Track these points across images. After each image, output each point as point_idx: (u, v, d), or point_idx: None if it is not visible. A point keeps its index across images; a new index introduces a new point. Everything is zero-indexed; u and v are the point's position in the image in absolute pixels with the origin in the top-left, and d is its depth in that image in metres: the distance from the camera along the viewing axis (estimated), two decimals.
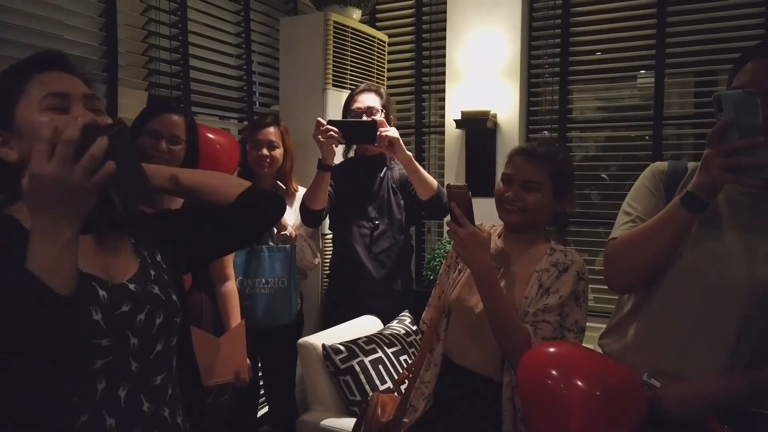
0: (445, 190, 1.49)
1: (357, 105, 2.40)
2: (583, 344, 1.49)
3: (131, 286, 0.97)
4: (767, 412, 1.25)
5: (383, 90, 2.50)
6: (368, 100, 2.41)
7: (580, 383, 1.20)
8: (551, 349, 1.36)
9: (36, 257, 0.77)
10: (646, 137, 3.06)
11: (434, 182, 2.34)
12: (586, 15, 3.13)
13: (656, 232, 1.22)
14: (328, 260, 2.78)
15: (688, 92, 3.07)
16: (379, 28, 3.35)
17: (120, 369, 0.93)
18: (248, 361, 2.04)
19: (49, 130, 0.78)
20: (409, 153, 2.28)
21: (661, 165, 1.38)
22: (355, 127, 2.25)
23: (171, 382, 1.01)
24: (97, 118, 0.94)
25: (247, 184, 1.14)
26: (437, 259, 2.93)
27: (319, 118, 2.23)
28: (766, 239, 1.21)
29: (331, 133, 2.18)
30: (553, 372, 1.27)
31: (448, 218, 1.51)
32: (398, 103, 3.58)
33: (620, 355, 1.34)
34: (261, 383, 2.65)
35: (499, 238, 1.65)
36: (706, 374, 1.22)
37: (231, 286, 2.16)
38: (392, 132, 2.25)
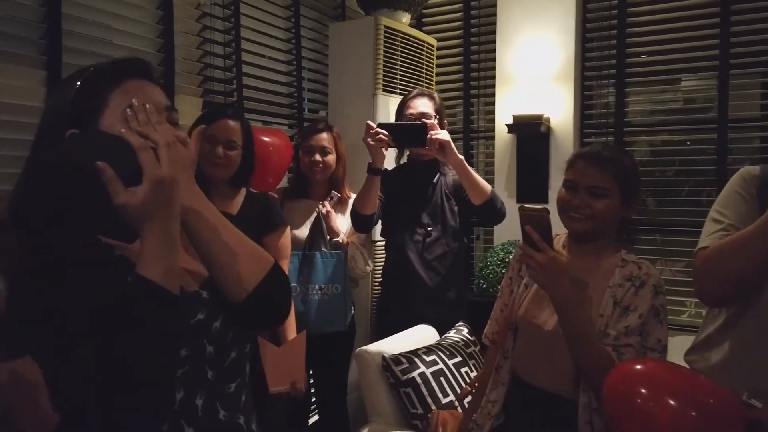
0: (519, 213, 1.41)
1: (410, 111, 2.36)
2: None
3: (204, 294, 0.95)
4: None
5: (436, 95, 2.45)
6: (421, 105, 2.37)
7: (672, 402, 1.13)
8: (639, 366, 1.29)
9: (152, 262, 0.78)
10: (705, 143, 2.94)
11: (487, 186, 2.28)
12: (644, 15, 3.03)
13: (753, 242, 1.15)
14: (379, 269, 2.75)
15: (753, 94, 2.93)
16: (426, 33, 3.31)
17: (196, 378, 0.91)
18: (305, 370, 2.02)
19: (158, 136, 0.81)
20: (461, 156, 2.23)
21: (752, 169, 1.30)
22: (405, 130, 2.21)
23: (245, 389, 1.00)
24: (178, 133, 0.92)
25: (269, 266, 0.91)
26: (489, 268, 2.86)
27: (369, 122, 2.20)
28: None
29: (381, 136, 2.15)
30: (643, 390, 1.20)
31: (519, 240, 1.44)
32: (446, 107, 3.53)
33: (711, 373, 1.26)
34: (312, 391, 2.62)
35: (563, 248, 1.58)
36: None
37: None
38: (443, 135, 2.20)
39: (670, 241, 2.99)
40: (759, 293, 1.20)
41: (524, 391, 1.52)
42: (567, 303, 1.35)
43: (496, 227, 3.12)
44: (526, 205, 1.40)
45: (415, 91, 2.44)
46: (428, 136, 2.17)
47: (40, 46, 1.87)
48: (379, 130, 2.15)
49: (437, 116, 2.36)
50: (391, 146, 2.21)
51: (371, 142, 2.15)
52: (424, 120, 2.22)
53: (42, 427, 0.74)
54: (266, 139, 2.36)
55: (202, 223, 0.87)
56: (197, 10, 2.42)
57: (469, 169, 2.24)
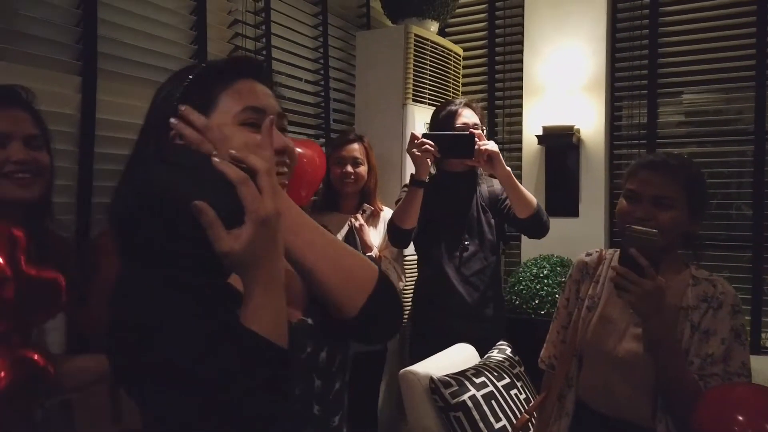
0: (624, 233, 1.31)
1: (463, 121, 2.26)
2: None
3: (309, 321, 0.85)
4: None
5: (477, 104, 2.38)
6: (470, 115, 2.29)
7: None
8: (733, 392, 1.22)
9: (259, 312, 0.68)
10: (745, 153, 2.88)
11: (534, 199, 2.20)
12: (676, 25, 2.98)
13: None
14: (410, 283, 2.66)
15: None
16: (452, 42, 3.25)
17: (305, 415, 0.83)
18: None
19: (257, 162, 0.70)
20: (509, 168, 2.15)
21: None
22: (452, 141, 2.13)
23: (345, 422, 0.92)
24: (289, 142, 0.85)
25: (376, 275, 0.83)
26: (522, 283, 2.77)
27: (413, 131, 2.12)
28: None
29: (427, 146, 2.06)
30: (740, 417, 1.14)
31: (613, 263, 1.35)
32: None
33: None
34: None
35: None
36: None
37: None
38: (491, 146, 2.12)
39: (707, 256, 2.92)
40: None
41: (594, 420, 1.43)
42: (667, 336, 1.27)
43: (524, 241, 3.05)
44: (635, 227, 1.30)
45: (461, 101, 2.35)
46: (476, 147, 2.09)
47: (75, 51, 1.79)
48: (425, 140, 2.06)
49: (481, 127, 2.29)
50: (437, 157, 2.13)
51: (417, 153, 2.06)
52: (471, 130, 2.14)
53: None
54: (299, 150, 2.28)
55: (301, 240, 0.78)
56: (229, 16, 2.35)
57: (516, 181, 2.16)
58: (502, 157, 2.14)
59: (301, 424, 0.82)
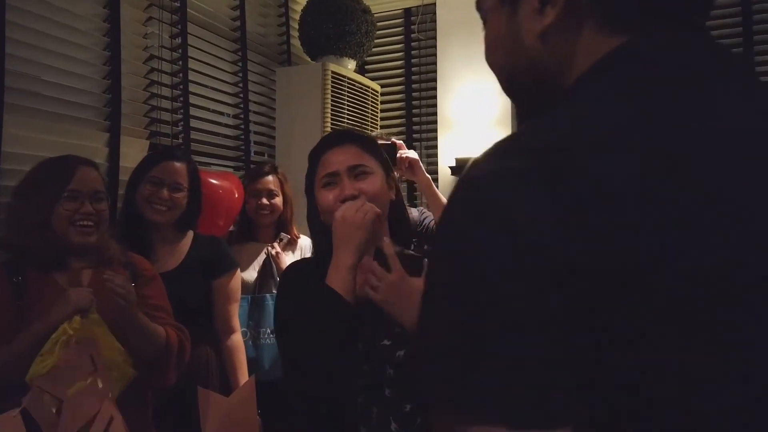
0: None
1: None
2: None
3: (397, 329, 1.03)
4: None
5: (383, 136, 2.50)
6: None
7: None
8: None
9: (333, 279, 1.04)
10: None
11: None
12: None
13: None
14: None
15: None
16: (370, 79, 3.41)
17: (375, 392, 1.01)
18: (259, 419, 1.95)
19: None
20: (428, 176, 2.27)
21: None
22: None
23: (420, 415, 1.03)
24: (360, 185, 1.12)
25: None
26: None
27: None
28: None
29: None
30: None
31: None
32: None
33: None
34: None
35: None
36: None
37: (237, 339, 2.08)
38: (412, 153, 2.23)
39: None
40: None
41: None
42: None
43: None
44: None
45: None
46: (398, 155, 2.19)
47: None
48: None
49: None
50: None
51: None
52: (393, 140, 2.24)
53: None
54: (216, 182, 2.34)
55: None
56: (145, 52, 2.41)
57: (436, 189, 2.28)
58: (422, 164, 2.26)
59: (371, 400, 0.99)
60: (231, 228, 2.65)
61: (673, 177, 0.43)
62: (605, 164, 0.43)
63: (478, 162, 0.47)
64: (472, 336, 0.41)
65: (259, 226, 2.51)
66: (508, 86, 0.63)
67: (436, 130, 3.37)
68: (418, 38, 3.55)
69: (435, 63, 3.37)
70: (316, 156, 1.19)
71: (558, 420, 0.40)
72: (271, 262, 2.43)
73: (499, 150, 0.48)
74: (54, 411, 0.95)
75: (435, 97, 3.36)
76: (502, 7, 0.59)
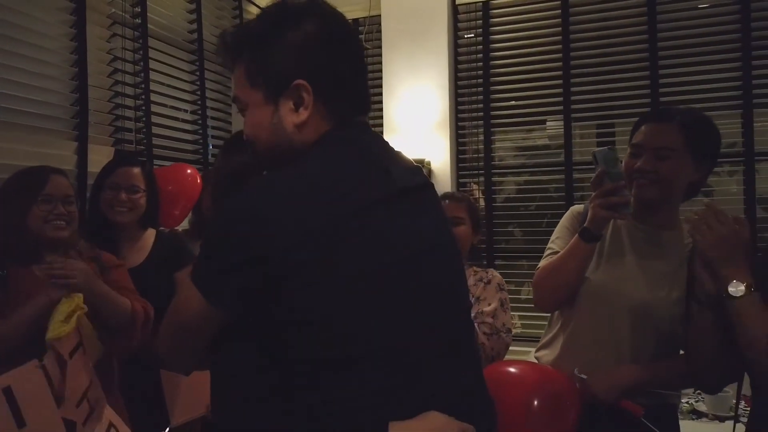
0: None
1: None
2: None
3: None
4: (670, 392, 1.54)
5: None
6: None
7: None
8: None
9: None
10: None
11: None
12: (504, 76, 3.59)
13: (566, 260, 1.52)
14: None
15: (591, 141, 3.56)
16: None
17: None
18: None
19: None
20: None
21: (578, 207, 1.67)
22: None
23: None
24: None
25: None
26: None
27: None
28: (657, 264, 1.51)
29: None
30: None
31: None
32: None
33: (555, 365, 1.59)
34: None
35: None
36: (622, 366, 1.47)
37: None
38: None
39: (534, 265, 3.47)
40: (579, 300, 1.55)
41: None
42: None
43: None
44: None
45: None
46: None
47: None
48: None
49: None
50: None
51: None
52: None
53: None
54: (169, 175, 2.52)
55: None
56: (109, 66, 2.63)
57: None
58: None
59: None
60: (186, 228, 2.86)
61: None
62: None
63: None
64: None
65: None
66: (266, 155, 0.97)
67: (382, 134, 3.65)
68: (365, 47, 3.82)
69: (381, 71, 3.65)
70: None
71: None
72: None
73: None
74: (59, 369, 1.22)
75: (381, 102, 3.65)
76: (266, 104, 0.93)
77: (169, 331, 0.92)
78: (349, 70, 0.95)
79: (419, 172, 1.03)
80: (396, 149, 1.04)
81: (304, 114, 0.92)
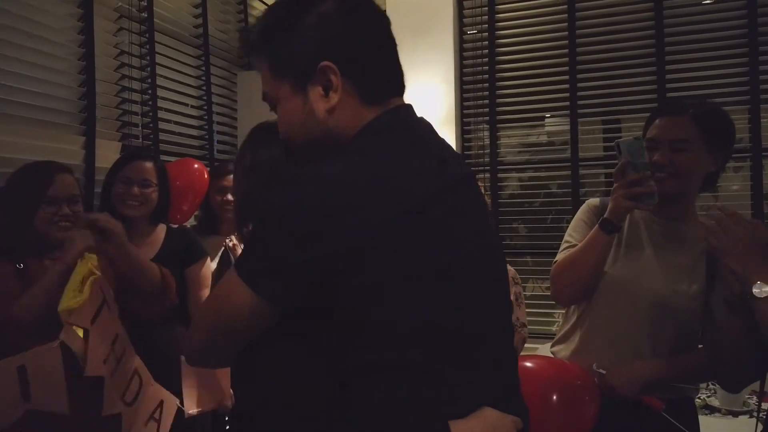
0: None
1: None
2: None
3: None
4: (689, 386, 1.53)
5: None
6: None
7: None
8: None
9: None
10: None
11: None
12: (509, 72, 3.58)
13: (585, 252, 1.51)
14: None
15: (597, 137, 3.55)
16: None
17: None
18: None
19: None
20: None
21: (594, 201, 1.65)
22: None
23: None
24: None
25: None
26: None
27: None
28: (675, 258, 1.50)
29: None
30: None
31: None
32: None
33: (571, 359, 1.58)
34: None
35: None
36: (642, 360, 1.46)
37: None
38: None
39: (539, 261, 3.50)
40: (597, 294, 1.53)
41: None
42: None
43: None
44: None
45: None
46: None
47: None
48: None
49: None
50: None
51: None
52: None
53: None
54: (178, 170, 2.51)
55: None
56: (116, 60, 2.61)
57: None
58: None
59: None
60: (194, 223, 2.85)
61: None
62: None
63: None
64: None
65: (221, 220, 2.70)
66: (305, 152, 0.92)
67: None
68: None
69: None
70: None
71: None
72: (228, 253, 2.64)
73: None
74: (83, 339, 1.21)
75: None
76: (295, 95, 0.89)
77: (206, 325, 0.88)
78: (376, 45, 0.90)
79: (463, 160, 1.02)
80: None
81: (334, 98, 0.86)
